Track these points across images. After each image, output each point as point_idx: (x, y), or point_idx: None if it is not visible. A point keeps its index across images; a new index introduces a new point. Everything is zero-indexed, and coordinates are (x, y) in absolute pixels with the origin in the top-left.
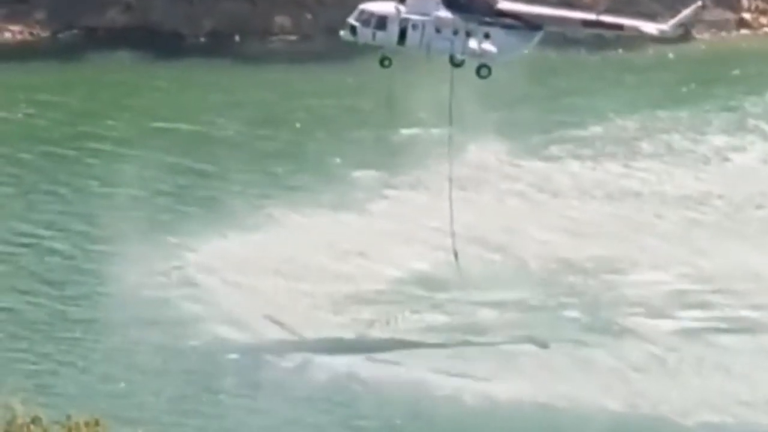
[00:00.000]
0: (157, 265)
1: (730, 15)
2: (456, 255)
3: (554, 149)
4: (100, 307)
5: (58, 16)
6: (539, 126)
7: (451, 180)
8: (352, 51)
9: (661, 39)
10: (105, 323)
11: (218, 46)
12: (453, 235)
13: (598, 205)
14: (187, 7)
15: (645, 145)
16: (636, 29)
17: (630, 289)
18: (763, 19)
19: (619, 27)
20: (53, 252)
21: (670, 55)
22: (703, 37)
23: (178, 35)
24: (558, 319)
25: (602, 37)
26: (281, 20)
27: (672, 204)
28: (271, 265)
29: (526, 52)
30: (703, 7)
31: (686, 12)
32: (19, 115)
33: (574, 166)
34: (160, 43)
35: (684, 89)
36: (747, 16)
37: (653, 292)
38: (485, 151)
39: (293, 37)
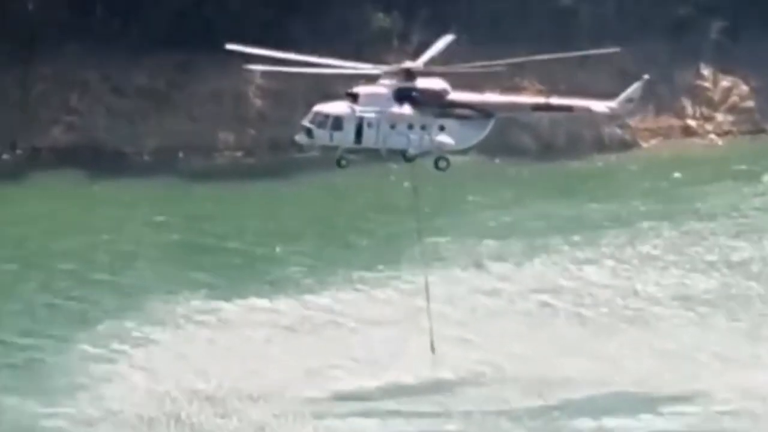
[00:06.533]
0: None
1: (674, 122)
2: (433, 348)
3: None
4: None
5: (1, 136)
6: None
7: (426, 275)
8: (295, 165)
9: (606, 147)
10: None
11: (162, 163)
12: (431, 328)
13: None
14: (129, 126)
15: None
16: (586, 109)
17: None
18: (708, 126)
19: (569, 108)
20: None
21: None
22: (648, 144)
23: (121, 154)
24: None
25: (551, 147)
26: (224, 136)
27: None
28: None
29: (480, 140)
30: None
31: (633, 87)
32: None
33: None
34: (104, 161)
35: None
36: (692, 123)
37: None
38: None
39: (237, 153)
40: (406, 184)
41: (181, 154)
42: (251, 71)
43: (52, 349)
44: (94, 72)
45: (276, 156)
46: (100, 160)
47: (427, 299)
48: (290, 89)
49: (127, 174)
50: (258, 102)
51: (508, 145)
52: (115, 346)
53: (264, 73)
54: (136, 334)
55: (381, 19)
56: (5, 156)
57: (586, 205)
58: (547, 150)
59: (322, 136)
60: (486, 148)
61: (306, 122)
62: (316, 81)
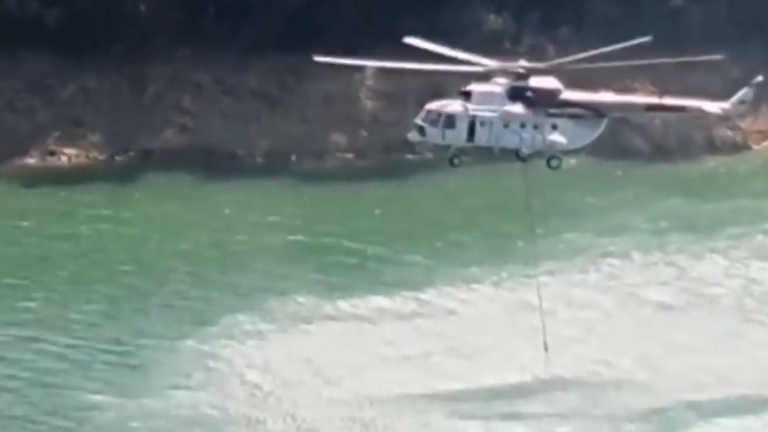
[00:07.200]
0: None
1: None
2: (546, 347)
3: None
4: None
5: (114, 138)
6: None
7: (538, 274)
8: (407, 166)
9: (717, 148)
10: None
11: (274, 165)
12: (543, 326)
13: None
14: (242, 128)
15: None
16: (698, 109)
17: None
18: None
19: (681, 108)
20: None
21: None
22: (759, 146)
23: (234, 155)
24: None
25: (662, 148)
26: (336, 138)
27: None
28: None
29: (593, 140)
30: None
31: (746, 88)
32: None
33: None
34: (216, 163)
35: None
36: None
37: None
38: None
39: (349, 155)
40: (518, 184)
41: (293, 157)
42: (363, 73)
43: (167, 349)
44: (206, 74)
45: (388, 157)
46: (212, 162)
47: (539, 297)
48: (402, 91)
49: (240, 176)
50: (369, 104)
51: (620, 147)
52: (231, 345)
53: (375, 75)
54: (251, 333)
55: (493, 22)
56: (118, 158)
57: (698, 206)
58: (658, 152)
59: (434, 134)
60: (598, 149)
61: (418, 120)
62: (428, 82)
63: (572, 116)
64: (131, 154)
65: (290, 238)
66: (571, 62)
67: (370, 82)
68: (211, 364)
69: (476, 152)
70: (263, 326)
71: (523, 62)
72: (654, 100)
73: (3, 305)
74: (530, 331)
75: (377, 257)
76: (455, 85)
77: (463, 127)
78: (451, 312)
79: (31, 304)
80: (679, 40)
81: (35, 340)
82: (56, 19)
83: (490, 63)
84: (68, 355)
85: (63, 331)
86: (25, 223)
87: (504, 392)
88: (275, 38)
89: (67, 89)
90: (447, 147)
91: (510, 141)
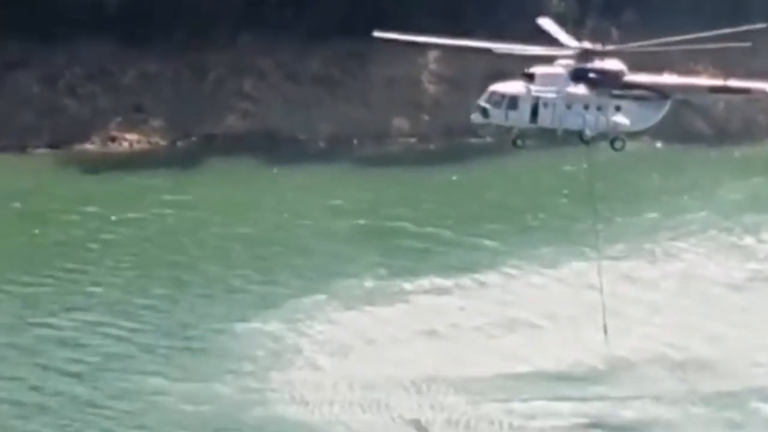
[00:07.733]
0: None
1: None
2: (605, 330)
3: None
4: None
5: (176, 124)
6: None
7: (599, 256)
8: (470, 150)
9: None
10: None
11: (336, 149)
12: (603, 308)
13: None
14: (304, 113)
15: None
16: (762, 92)
17: None
18: None
19: (746, 90)
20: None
21: None
22: None
23: (296, 140)
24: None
25: (725, 132)
26: (399, 122)
27: None
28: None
29: (657, 121)
30: None
31: None
32: (148, 216)
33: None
34: (279, 148)
35: None
36: None
37: None
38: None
39: (411, 139)
40: (580, 167)
41: (355, 141)
42: (425, 57)
43: (232, 333)
44: (268, 59)
45: (450, 141)
46: (274, 147)
47: (600, 280)
48: (463, 75)
49: (302, 160)
50: (432, 88)
51: (684, 130)
52: (296, 328)
53: (437, 59)
54: (315, 316)
55: (556, 5)
56: (180, 143)
57: (762, 188)
58: (721, 135)
59: (497, 115)
60: (661, 132)
61: (482, 102)
62: (490, 66)
63: (636, 98)
64: (193, 139)
65: (354, 221)
66: (651, 45)
67: (432, 66)
68: (276, 347)
69: (539, 134)
70: (328, 309)
71: (595, 45)
72: (718, 82)
73: (68, 290)
74: (595, 313)
75: (442, 240)
76: (517, 69)
77: (526, 109)
78: (517, 294)
79: (96, 289)
80: (741, 23)
81: (100, 324)
82: (116, 5)
83: (575, 44)
84: (133, 339)
85: (128, 316)
86: (88, 208)
87: (567, 374)
88: (337, 23)
89: (128, 75)
90: (510, 129)
91: (573, 122)
